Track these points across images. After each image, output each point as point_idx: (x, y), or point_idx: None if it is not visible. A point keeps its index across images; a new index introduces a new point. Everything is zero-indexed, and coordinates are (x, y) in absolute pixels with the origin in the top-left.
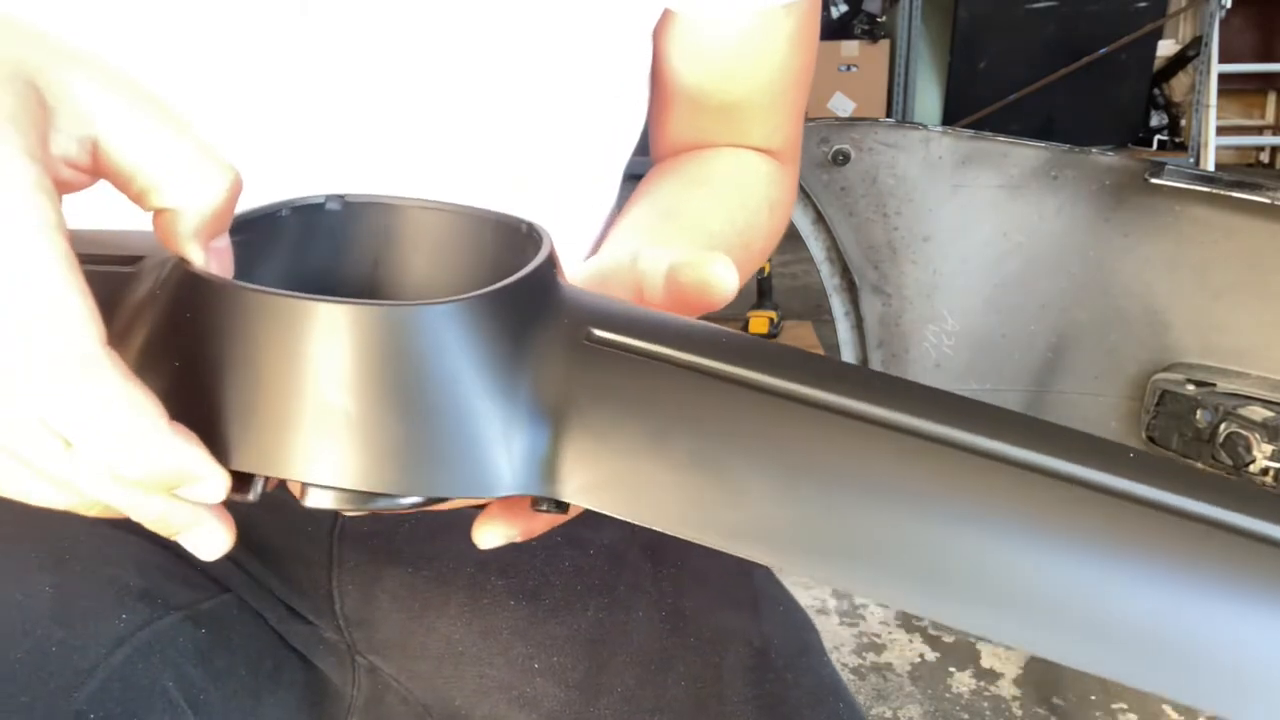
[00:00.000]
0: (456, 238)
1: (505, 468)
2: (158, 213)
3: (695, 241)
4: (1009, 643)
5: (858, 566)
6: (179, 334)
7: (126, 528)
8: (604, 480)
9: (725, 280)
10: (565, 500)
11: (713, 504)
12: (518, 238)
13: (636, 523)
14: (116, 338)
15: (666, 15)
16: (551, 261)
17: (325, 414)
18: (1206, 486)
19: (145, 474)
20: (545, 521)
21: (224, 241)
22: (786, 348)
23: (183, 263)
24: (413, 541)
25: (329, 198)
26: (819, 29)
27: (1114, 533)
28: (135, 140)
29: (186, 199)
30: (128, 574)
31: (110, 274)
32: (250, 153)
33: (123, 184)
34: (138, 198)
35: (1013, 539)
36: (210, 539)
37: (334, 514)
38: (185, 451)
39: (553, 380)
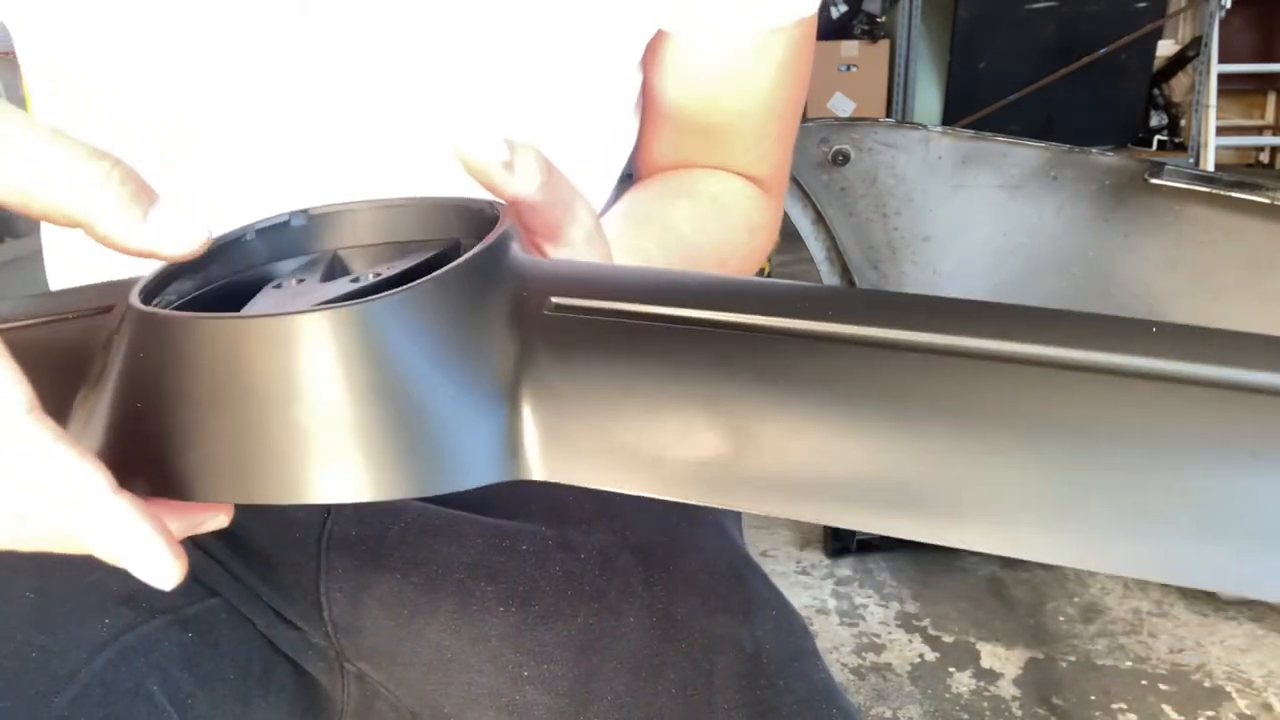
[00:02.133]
0: (425, 229)
1: (476, 458)
2: (101, 241)
3: (666, 245)
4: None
5: (839, 499)
6: (135, 373)
7: None
8: (577, 455)
9: (480, 157)
10: (542, 480)
11: (677, 454)
12: (483, 220)
13: (612, 490)
14: (91, 384)
15: (655, 35)
16: (508, 236)
17: (281, 432)
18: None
19: (97, 544)
20: None
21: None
22: (746, 281)
23: (129, 299)
24: (402, 547)
25: (293, 215)
26: (811, 61)
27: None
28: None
29: (83, 209)
30: (111, 579)
31: (84, 324)
32: (250, 152)
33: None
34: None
35: (976, 434)
36: (162, 573)
37: (322, 520)
38: (136, 527)
39: (517, 358)
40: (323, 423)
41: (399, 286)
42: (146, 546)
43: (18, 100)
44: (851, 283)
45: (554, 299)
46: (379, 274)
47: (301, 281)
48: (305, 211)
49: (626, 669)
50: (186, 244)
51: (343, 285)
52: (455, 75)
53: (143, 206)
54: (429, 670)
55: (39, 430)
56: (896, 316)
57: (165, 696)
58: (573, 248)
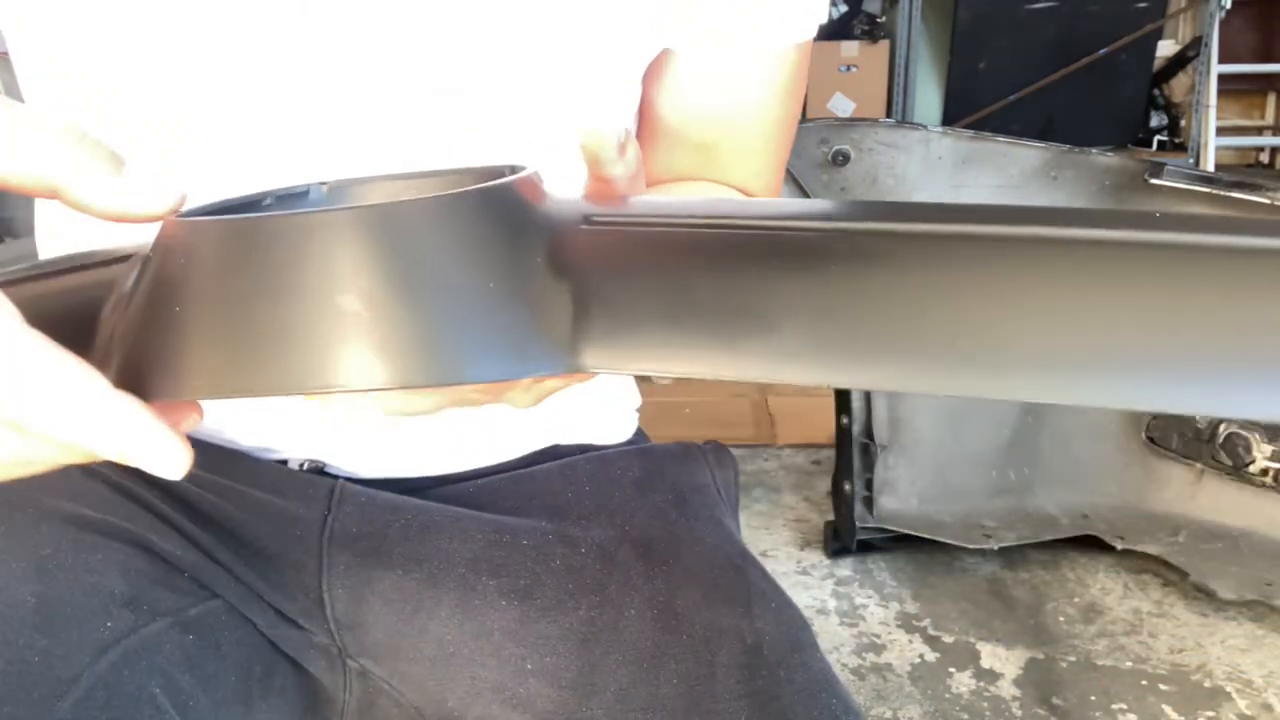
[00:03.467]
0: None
1: (533, 348)
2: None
3: None
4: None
5: (897, 362)
6: (174, 283)
7: (111, 535)
8: (631, 342)
9: (605, 137)
10: (597, 370)
11: (742, 340)
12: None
13: (672, 375)
14: (117, 310)
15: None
16: (538, 177)
17: (348, 321)
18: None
19: (101, 446)
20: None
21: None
22: (779, 201)
23: (167, 222)
24: (403, 543)
25: (312, 185)
26: (806, 81)
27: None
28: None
29: (57, 175)
30: (112, 582)
31: (103, 273)
32: (250, 151)
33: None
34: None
35: (1029, 306)
36: (171, 462)
37: (324, 517)
38: (138, 422)
39: (560, 261)
40: (394, 311)
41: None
42: (152, 436)
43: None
44: None
45: (590, 216)
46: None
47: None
48: (324, 183)
49: (629, 661)
50: (159, 201)
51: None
52: (454, 76)
53: (114, 167)
54: (432, 665)
55: (33, 341)
56: (904, 215)
57: (168, 699)
58: None
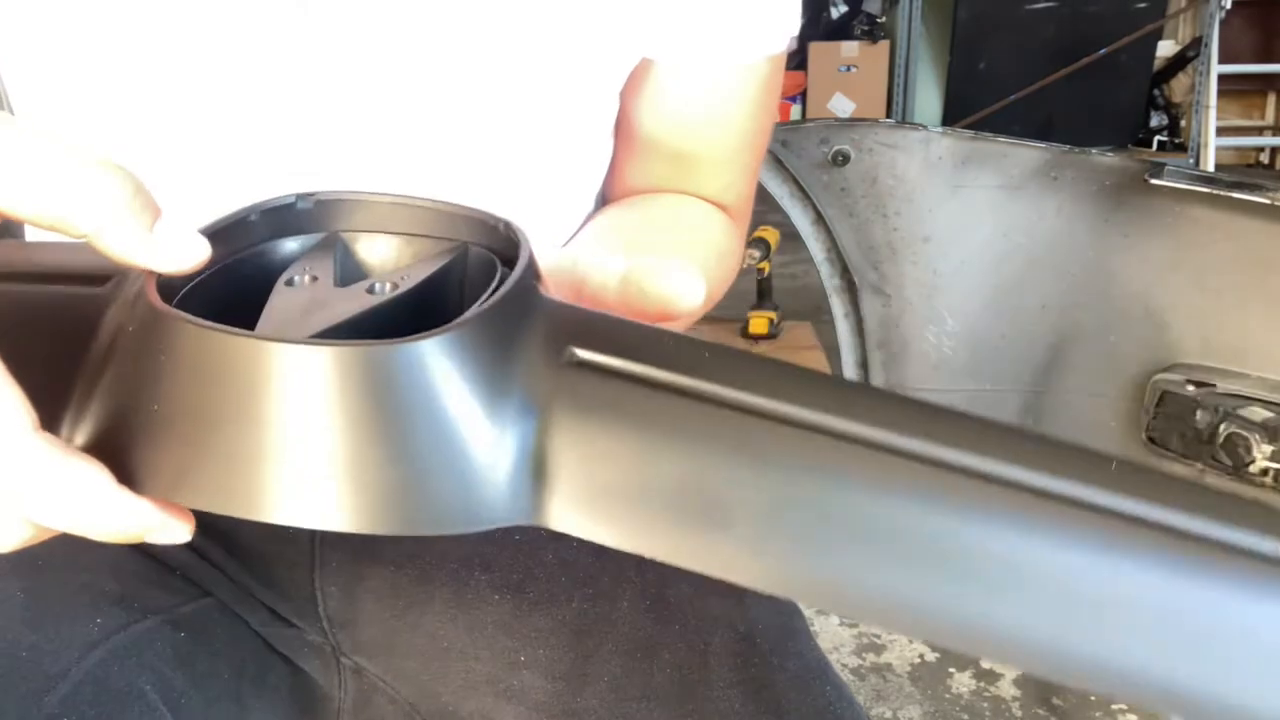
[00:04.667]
0: (434, 228)
1: (493, 501)
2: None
3: None
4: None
5: (853, 592)
6: (153, 376)
7: None
8: (593, 510)
9: (691, 291)
10: (556, 529)
11: (702, 531)
12: (495, 235)
13: (628, 551)
14: (92, 370)
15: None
16: (531, 270)
17: (305, 457)
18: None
19: (109, 537)
20: None
21: (183, 241)
22: (775, 363)
23: (149, 296)
24: (395, 540)
25: (299, 197)
26: (779, 95)
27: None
28: (11, 196)
29: (91, 224)
30: (103, 579)
31: (80, 295)
32: (250, 150)
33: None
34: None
35: (1014, 560)
36: (179, 531)
37: None
38: (142, 513)
39: (536, 407)
40: (355, 453)
41: (413, 296)
42: (154, 522)
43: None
44: (851, 283)
45: (577, 350)
46: (396, 285)
47: (315, 280)
48: (312, 195)
49: (622, 651)
50: (187, 262)
51: (359, 295)
52: (450, 75)
53: (150, 220)
54: (426, 660)
55: (43, 444)
56: (929, 426)
57: (158, 696)
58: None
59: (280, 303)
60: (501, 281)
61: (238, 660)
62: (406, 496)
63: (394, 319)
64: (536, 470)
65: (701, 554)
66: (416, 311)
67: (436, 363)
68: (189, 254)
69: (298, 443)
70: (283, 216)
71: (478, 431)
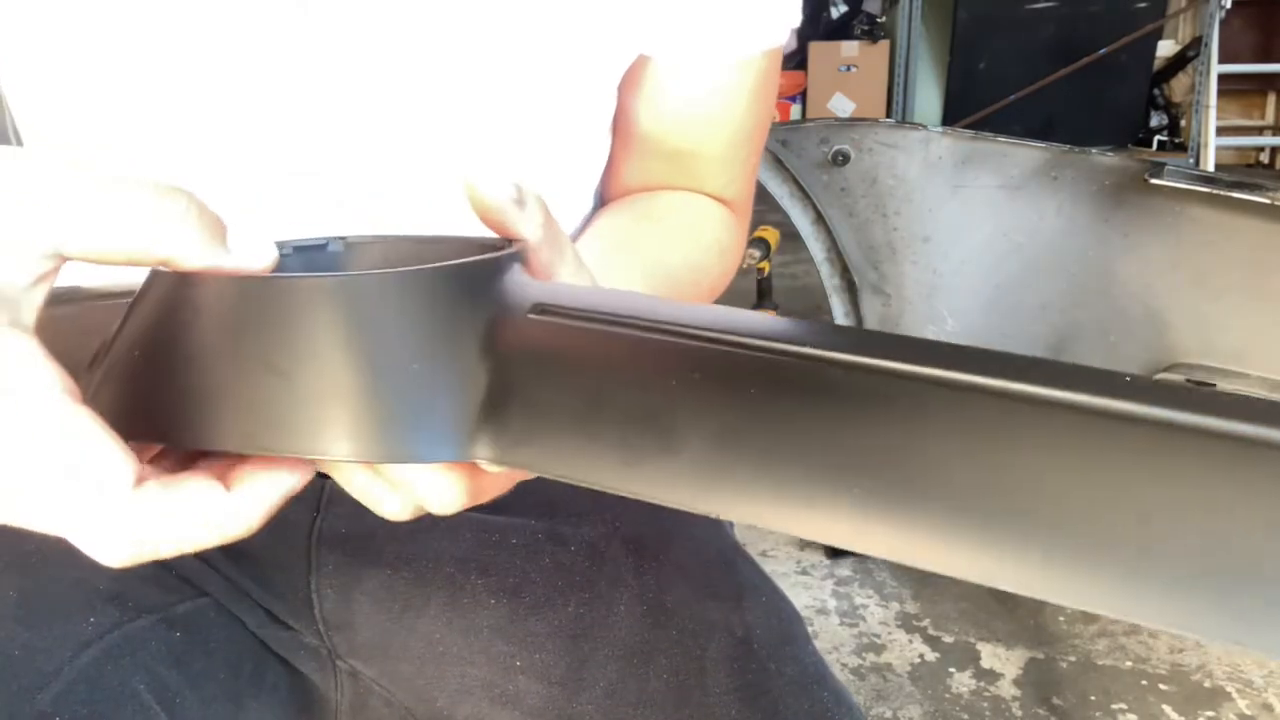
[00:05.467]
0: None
1: (449, 435)
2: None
3: (647, 271)
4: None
5: (803, 509)
6: (150, 330)
7: None
8: (544, 441)
9: (488, 198)
10: (505, 465)
11: (649, 457)
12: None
13: (576, 483)
14: (121, 351)
15: (633, 61)
16: (515, 257)
17: (269, 385)
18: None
19: (239, 536)
20: (494, 483)
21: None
22: (729, 309)
23: (155, 272)
24: (391, 543)
25: (331, 240)
26: (777, 90)
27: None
28: (91, 242)
29: (171, 250)
30: (97, 577)
31: (119, 305)
32: (250, 150)
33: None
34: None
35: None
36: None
37: (312, 518)
38: (259, 498)
39: (494, 352)
40: (317, 382)
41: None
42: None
43: (4, 137)
44: (851, 283)
45: (539, 304)
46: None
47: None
48: (342, 239)
49: (618, 656)
50: (264, 261)
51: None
52: (446, 78)
53: (221, 234)
54: (422, 664)
55: (154, 493)
56: (862, 344)
57: (152, 695)
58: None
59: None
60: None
61: (234, 660)
62: (361, 424)
63: None
64: (494, 405)
65: (651, 480)
66: None
67: (404, 297)
68: (262, 257)
69: (254, 369)
70: (311, 253)
71: (433, 367)
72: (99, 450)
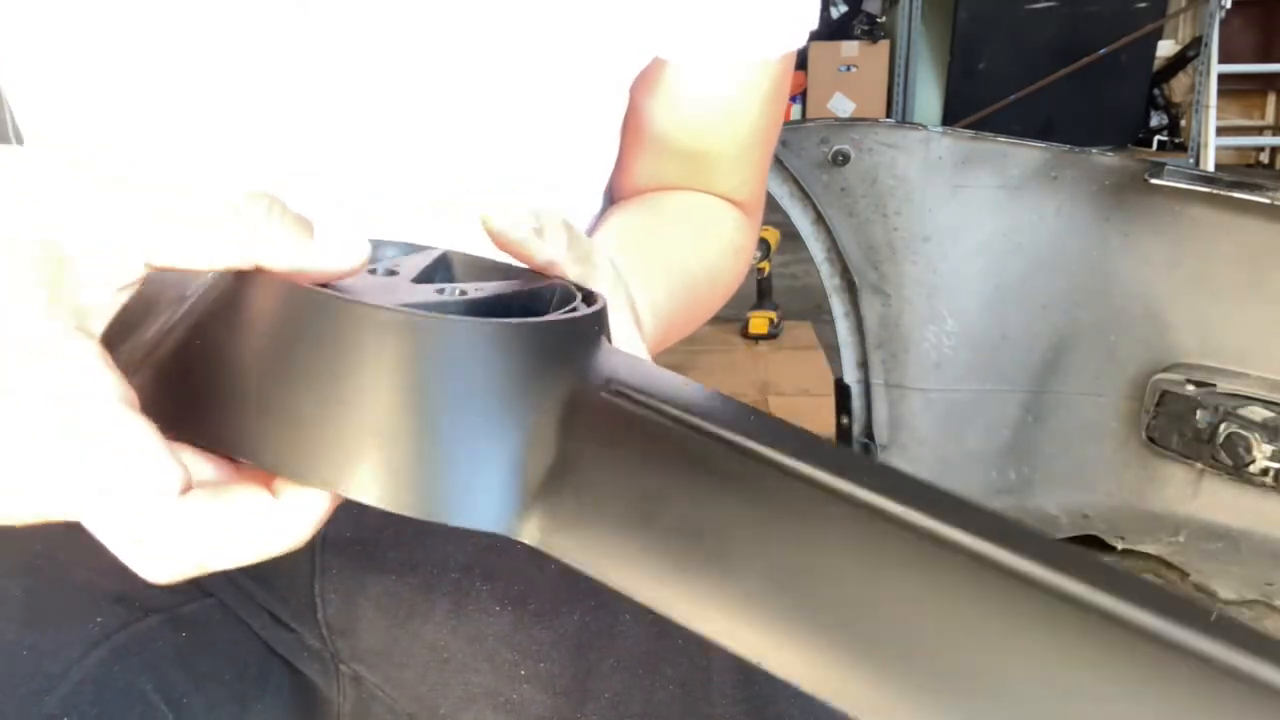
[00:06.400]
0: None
1: (497, 505)
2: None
3: (669, 273)
4: None
5: (849, 672)
6: (220, 333)
7: None
8: (590, 537)
9: (504, 228)
10: (546, 550)
11: (697, 576)
12: (584, 295)
13: (616, 588)
14: (157, 332)
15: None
16: (598, 320)
17: (317, 412)
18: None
19: (288, 547)
20: None
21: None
22: (802, 431)
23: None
24: (397, 548)
25: (441, 251)
26: (789, 90)
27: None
28: (182, 250)
29: (261, 253)
30: (103, 578)
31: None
32: (251, 150)
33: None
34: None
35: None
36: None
37: None
38: (306, 511)
39: (563, 424)
40: (353, 417)
41: (480, 307)
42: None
43: (4, 135)
44: (851, 283)
45: (613, 382)
46: (465, 292)
47: (393, 274)
48: (413, 247)
49: (624, 666)
50: (356, 259)
51: (427, 292)
52: (450, 78)
53: (308, 232)
54: (425, 670)
55: (138, 424)
56: (916, 497)
57: (159, 695)
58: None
59: (351, 284)
60: (570, 313)
61: (239, 661)
62: (417, 476)
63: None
64: (549, 482)
65: (694, 602)
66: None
67: (490, 349)
68: (356, 254)
69: (336, 404)
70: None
71: (507, 431)
72: (150, 461)
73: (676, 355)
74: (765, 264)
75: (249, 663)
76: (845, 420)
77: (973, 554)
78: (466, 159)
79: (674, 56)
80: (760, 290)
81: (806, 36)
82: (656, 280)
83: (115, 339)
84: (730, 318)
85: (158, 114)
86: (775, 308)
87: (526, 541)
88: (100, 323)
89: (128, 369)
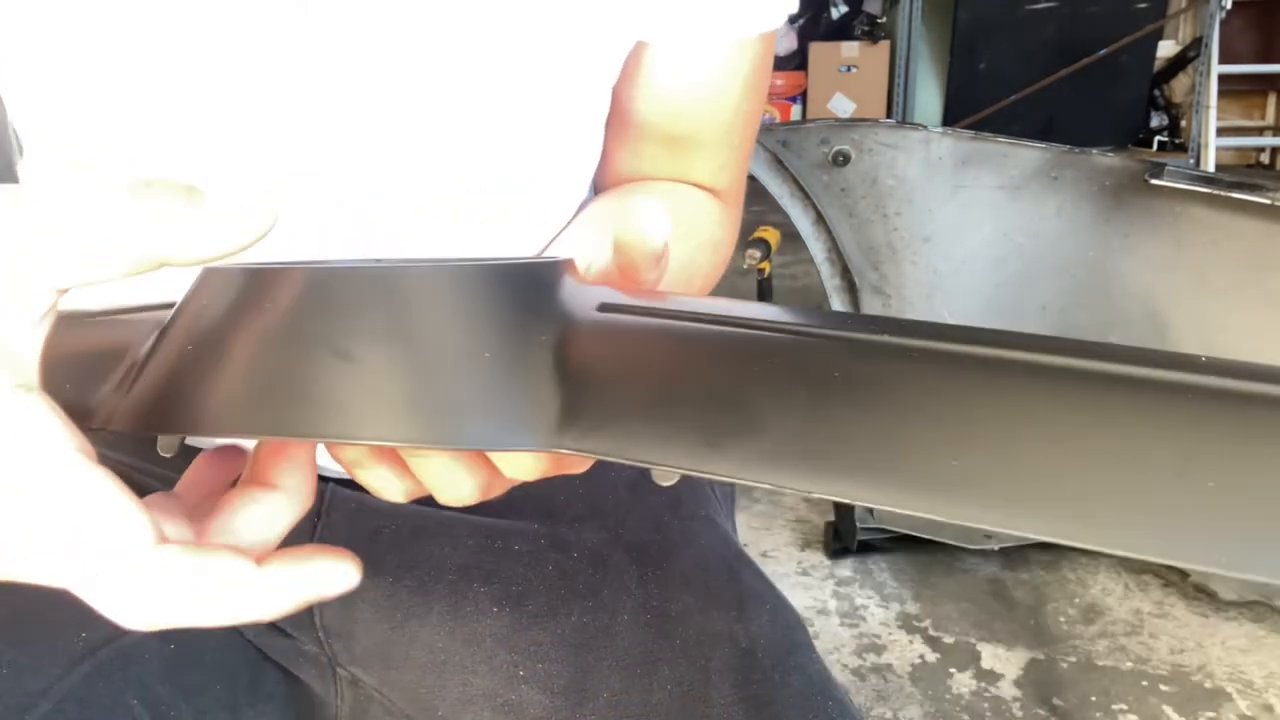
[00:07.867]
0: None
1: (528, 422)
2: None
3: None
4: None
5: (881, 482)
6: (207, 326)
7: None
8: (624, 429)
9: (658, 222)
10: (584, 452)
11: (734, 438)
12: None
13: (657, 467)
14: (165, 347)
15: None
16: (563, 266)
17: (340, 373)
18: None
19: (270, 615)
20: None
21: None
22: (791, 307)
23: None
24: (393, 550)
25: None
26: (769, 76)
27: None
28: (86, 268)
29: (164, 252)
30: None
31: (152, 317)
32: (250, 150)
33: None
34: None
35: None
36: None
37: (312, 525)
38: (295, 579)
39: (565, 345)
40: (403, 370)
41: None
42: (321, 575)
43: (4, 135)
44: (851, 283)
45: (602, 300)
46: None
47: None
48: (379, 261)
49: (622, 666)
50: (257, 220)
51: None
52: (445, 77)
53: (193, 199)
54: (423, 673)
55: (175, 555)
56: (916, 333)
57: (146, 710)
58: None
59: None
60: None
61: (230, 670)
62: (423, 407)
63: None
64: (569, 395)
65: (739, 461)
66: None
67: (461, 289)
68: (257, 215)
69: (324, 356)
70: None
71: (512, 358)
72: (116, 513)
73: None
74: (765, 264)
75: (240, 671)
76: None
77: (976, 359)
78: (466, 159)
79: (652, 37)
80: (760, 290)
81: (784, 17)
82: None
83: (103, 369)
84: None
85: (157, 114)
86: None
87: (569, 450)
88: (32, 370)
89: (120, 388)
